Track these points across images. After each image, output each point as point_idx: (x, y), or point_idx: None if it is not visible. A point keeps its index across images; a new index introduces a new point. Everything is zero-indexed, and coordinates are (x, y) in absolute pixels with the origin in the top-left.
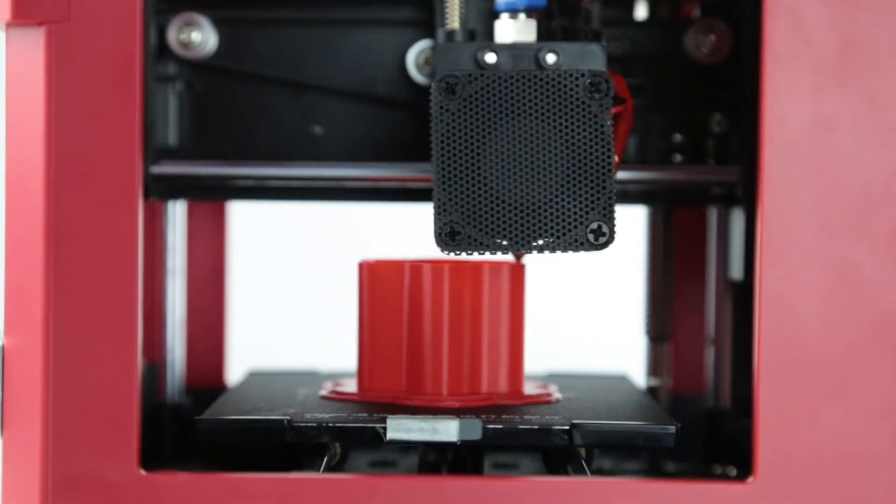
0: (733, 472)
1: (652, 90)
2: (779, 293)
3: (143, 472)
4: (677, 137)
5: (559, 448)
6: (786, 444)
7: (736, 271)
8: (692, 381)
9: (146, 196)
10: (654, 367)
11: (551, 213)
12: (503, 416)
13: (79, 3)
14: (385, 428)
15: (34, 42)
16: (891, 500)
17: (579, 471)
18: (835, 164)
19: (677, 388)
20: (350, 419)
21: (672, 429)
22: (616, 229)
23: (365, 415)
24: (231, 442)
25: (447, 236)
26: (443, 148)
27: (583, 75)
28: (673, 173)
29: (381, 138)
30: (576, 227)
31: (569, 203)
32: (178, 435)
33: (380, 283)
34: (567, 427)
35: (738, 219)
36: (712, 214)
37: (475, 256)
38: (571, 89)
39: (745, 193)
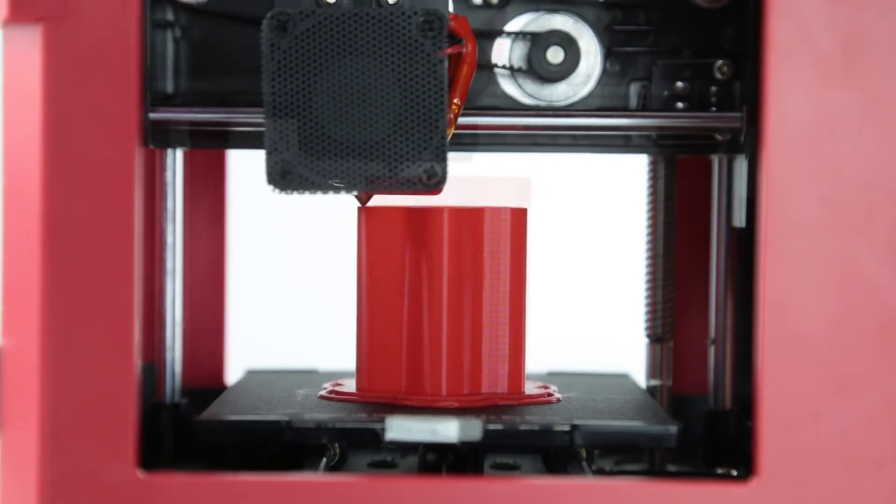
0: (735, 472)
1: (654, 36)
2: (781, 292)
3: (141, 472)
4: (680, 85)
5: (560, 449)
6: (788, 444)
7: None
8: (694, 382)
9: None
10: (655, 368)
11: (384, 154)
12: (503, 417)
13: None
14: (384, 428)
15: (31, 39)
16: (893, 501)
17: (579, 471)
18: (838, 163)
19: (679, 388)
20: (349, 419)
21: (674, 429)
22: (448, 170)
23: (364, 415)
24: (229, 443)
25: (279, 175)
26: (274, 85)
27: (416, 13)
28: (676, 120)
29: None
30: (409, 167)
31: (402, 143)
32: (176, 435)
33: (378, 282)
34: (568, 428)
35: (741, 168)
36: (714, 214)
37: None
38: (404, 28)
39: (748, 140)
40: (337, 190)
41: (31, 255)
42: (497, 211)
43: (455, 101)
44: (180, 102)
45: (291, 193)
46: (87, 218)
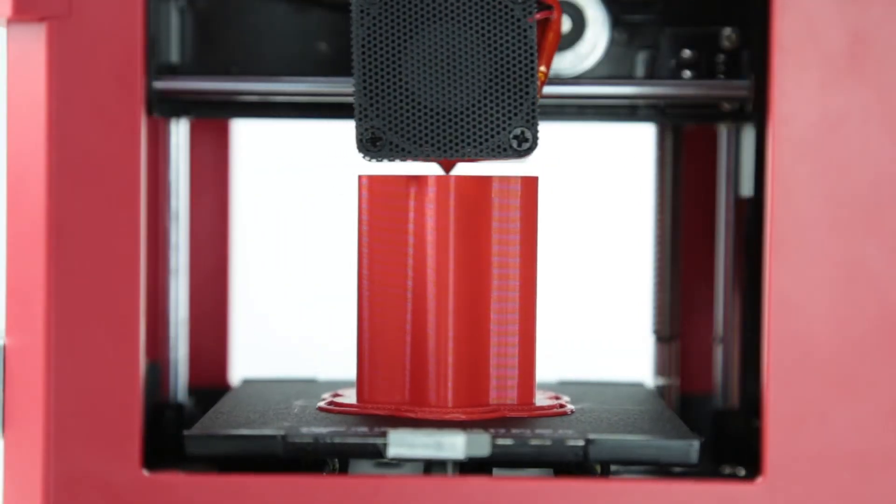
0: (742, 472)
1: (661, 4)
2: (787, 291)
3: (145, 472)
4: (687, 53)
5: (573, 464)
6: (794, 443)
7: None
8: (701, 381)
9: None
10: (662, 367)
11: (474, 120)
12: (513, 431)
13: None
14: (386, 443)
15: (35, 38)
16: None
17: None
18: (844, 161)
19: (686, 387)
20: (349, 433)
21: (696, 444)
22: (539, 135)
23: (365, 428)
24: (221, 458)
25: (368, 142)
26: (364, 51)
27: None
28: (682, 88)
29: None
30: (499, 132)
31: (492, 109)
32: (180, 435)
33: (380, 287)
34: (582, 443)
35: (748, 136)
36: (720, 215)
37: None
38: None
39: (755, 108)
40: (427, 156)
41: (35, 253)
42: (506, 210)
43: (541, 68)
44: (186, 90)
45: (382, 161)
46: (92, 216)
